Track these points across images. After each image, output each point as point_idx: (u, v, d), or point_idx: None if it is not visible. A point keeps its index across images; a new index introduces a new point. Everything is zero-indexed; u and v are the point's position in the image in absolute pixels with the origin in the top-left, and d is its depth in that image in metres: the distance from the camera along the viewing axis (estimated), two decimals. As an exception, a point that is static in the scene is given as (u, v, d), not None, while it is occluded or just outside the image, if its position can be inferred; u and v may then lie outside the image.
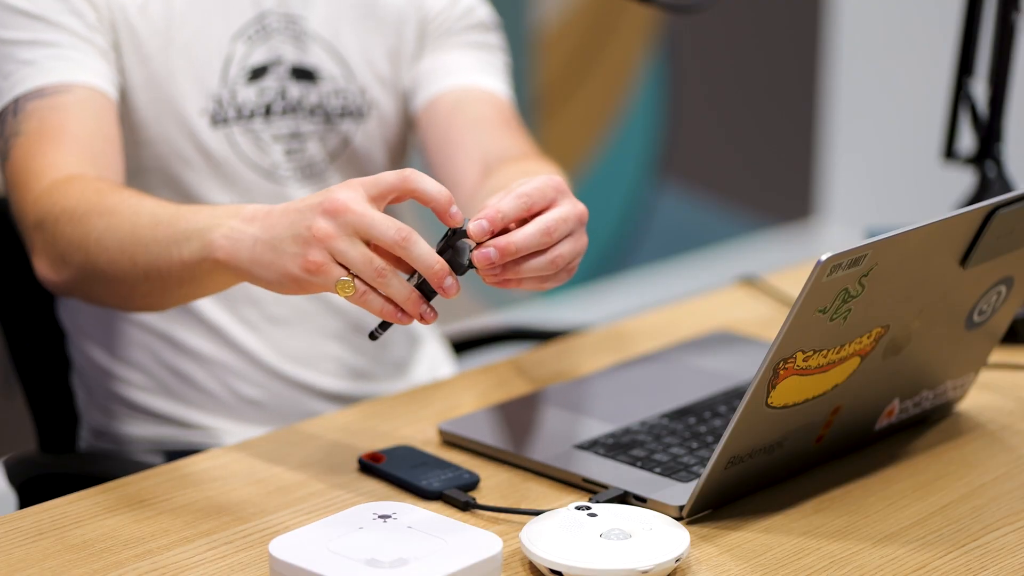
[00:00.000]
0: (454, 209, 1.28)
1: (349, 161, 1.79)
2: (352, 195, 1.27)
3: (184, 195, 1.71)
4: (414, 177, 1.28)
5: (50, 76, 1.61)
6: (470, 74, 1.81)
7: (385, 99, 1.80)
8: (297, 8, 1.75)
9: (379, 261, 1.27)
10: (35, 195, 1.55)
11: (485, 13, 1.84)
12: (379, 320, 1.32)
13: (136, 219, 1.44)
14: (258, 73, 1.73)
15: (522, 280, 1.32)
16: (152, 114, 1.68)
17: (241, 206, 1.35)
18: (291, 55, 1.74)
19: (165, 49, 1.68)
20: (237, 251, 1.33)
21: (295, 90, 1.75)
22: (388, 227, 1.26)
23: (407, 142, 1.86)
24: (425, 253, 1.27)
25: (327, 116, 1.76)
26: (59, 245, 1.51)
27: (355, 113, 1.78)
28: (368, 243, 1.27)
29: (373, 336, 1.33)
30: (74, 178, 1.54)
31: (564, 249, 1.32)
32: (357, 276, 1.27)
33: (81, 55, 1.63)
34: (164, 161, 1.70)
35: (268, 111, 1.73)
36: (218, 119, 1.71)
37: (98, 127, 1.61)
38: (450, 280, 1.28)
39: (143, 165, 1.70)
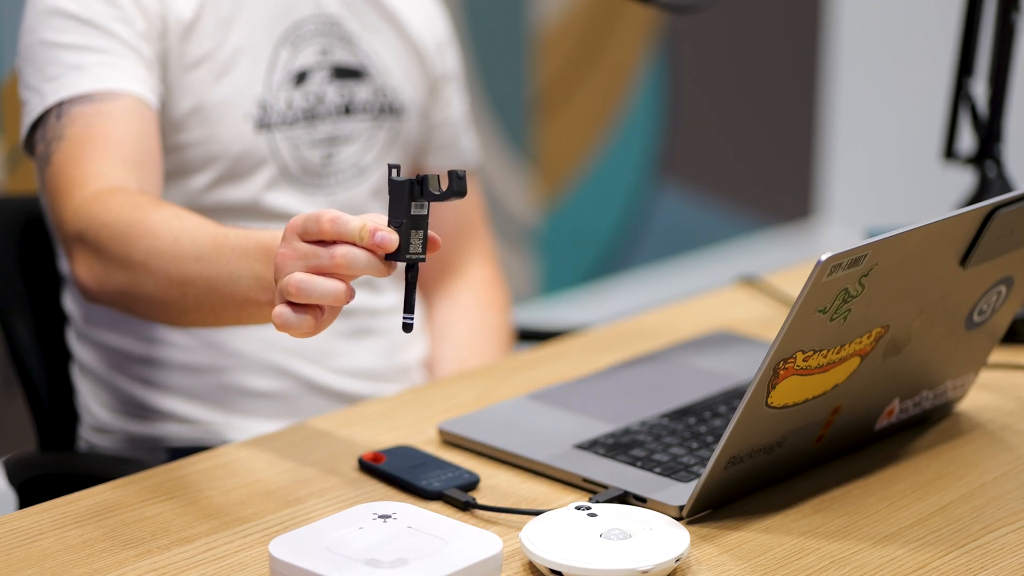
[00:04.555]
0: (379, 236, 1.23)
1: (390, 158, 1.82)
2: (284, 268, 1.25)
3: (219, 201, 1.71)
4: (339, 222, 1.23)
5: (98, 82, 1.60)
6: (473, 157, 1.93)
7: (417, 98, 1.84)
8: (334, 8, 1.77)
9: (295, 277, 1.24)
10: (75, 204, 1.54)
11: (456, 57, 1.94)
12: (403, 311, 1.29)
13: (179, 250, 1.42)
14: (301, 77, 1.74)
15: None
16: (195, 121, 1.68)
17: (254, 247, 1.35)
18: (334, 56, 1.77)
19: (213, 56, 1.69)
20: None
21: (338, 92, 1.77)
22: (319, 231, 1.24)
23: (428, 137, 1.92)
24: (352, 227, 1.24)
25: (371, 114, 1.80)
26: (102, 259, 1.50)
27: (397, 110, 1.82)
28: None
29: (406, 327, 1.28)
30: (116, 190, 1.53)
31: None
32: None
33: (129, 64, 1.62)
34: (198, 165, 1.69)
35: (310, 115, 1.74)
36: (262, 124, 1.71)
37: (142, 137, 1.60)
38: (382, 234, 1.23)
39: (173, 169, 1.69)
